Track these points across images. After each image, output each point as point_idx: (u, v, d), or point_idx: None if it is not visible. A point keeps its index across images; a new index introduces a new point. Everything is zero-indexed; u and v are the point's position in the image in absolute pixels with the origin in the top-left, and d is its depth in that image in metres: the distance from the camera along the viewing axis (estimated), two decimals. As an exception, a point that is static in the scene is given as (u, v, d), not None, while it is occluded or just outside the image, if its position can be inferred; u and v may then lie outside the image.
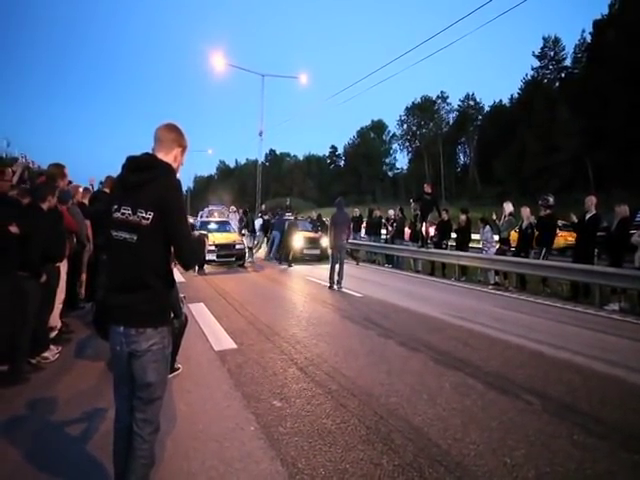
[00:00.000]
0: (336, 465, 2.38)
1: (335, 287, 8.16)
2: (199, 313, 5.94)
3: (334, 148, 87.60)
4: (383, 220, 14.02)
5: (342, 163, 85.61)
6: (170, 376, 3.41)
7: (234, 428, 2.78)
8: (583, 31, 42.95)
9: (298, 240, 12.41)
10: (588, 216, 7.42)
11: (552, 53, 48.89)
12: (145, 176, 1.74)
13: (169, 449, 2.49)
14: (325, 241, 11.34)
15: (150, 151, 1.87)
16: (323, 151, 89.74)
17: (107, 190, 5.38)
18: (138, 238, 1.70)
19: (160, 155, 1.84)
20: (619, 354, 4.48)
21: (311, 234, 13.53)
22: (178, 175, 1.88)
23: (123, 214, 1.72)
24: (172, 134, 1.89)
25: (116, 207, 1.75)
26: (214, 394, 3.33)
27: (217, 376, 3.71)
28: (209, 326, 5.29)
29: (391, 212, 13.86)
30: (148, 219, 1.68)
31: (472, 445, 2.62)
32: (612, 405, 3.25)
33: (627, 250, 7.03)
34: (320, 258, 12.79)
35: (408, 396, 3.33)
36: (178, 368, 3.68)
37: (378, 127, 78.39)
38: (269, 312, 6.16)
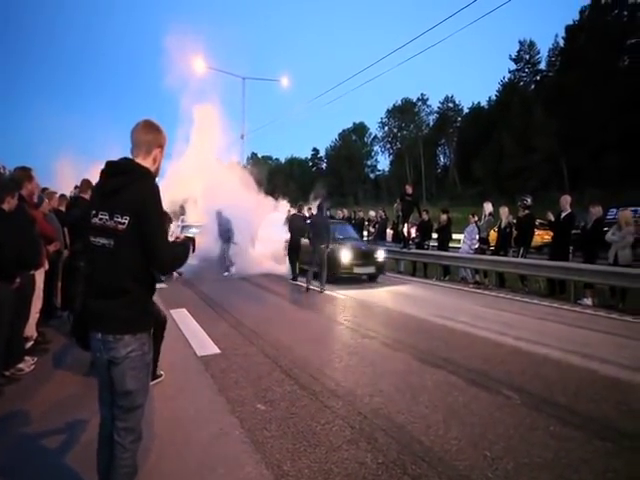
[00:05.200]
0: (321, 465, 2.40)
1: (318, 289, 8.17)
2: (181, 319, 5.88)
3: (316, 151, 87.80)
4: (365, 222, 14.12)
5: (324, 166, 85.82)
6: (152, 383, 3.37)
7: (218, 433, 2.77)
8: (556, 35, 44.18)
9: (345, 254, 9.02)
10: (563, 215, 7.67)
11: (527, 56, 50.14)
12: (122, 181, 1.73)
13: (152, 456, 2.46)
14: (381, 254, 9.42)
15: (130, 154, 1.85)
16: (305, 154, 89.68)
17: (84, 195, 5.26)
18: (115, 243, 1.69)
19: (139, 159, 1.82)
20: (593, 347, 4.64)
21: (362, 245, 10.15)
22: (159, 176, 1.87)
23: (101, 219, 1.71)
24: (149, 135, 1.86)
25: (94, 212, 1.74)
26: (198, 400, 3.31)
27: (201, 382, 3.68)
28: (192, 331, 5.24)
29: (372, 213, 13.96)
30: (124, 224, 1.67)
31: (454, 440, 2.68)
32: (587, 397, 3.36)
33: (601, 247, 7.28)
34: (373, 276, 9.59)
35: (392, 395, 3.38)
36: (160, 375, 3.63)
37: (359, 129, 78.92)
38: (253, 316, 6.13)
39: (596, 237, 7.10)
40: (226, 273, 10.37)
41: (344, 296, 7.72)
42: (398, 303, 6.99)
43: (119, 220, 1.68)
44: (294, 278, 9.46)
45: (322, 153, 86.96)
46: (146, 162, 1.83)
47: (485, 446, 2.60)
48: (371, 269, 9.31)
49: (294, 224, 9.78)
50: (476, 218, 9.67)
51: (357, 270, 9.09)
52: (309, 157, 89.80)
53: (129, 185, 1.71)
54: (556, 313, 6.40)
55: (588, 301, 6.99)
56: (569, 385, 3.59)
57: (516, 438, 2.70)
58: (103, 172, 1.81)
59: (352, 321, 5.91)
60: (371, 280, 9.51)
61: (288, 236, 9.86)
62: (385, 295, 7.81)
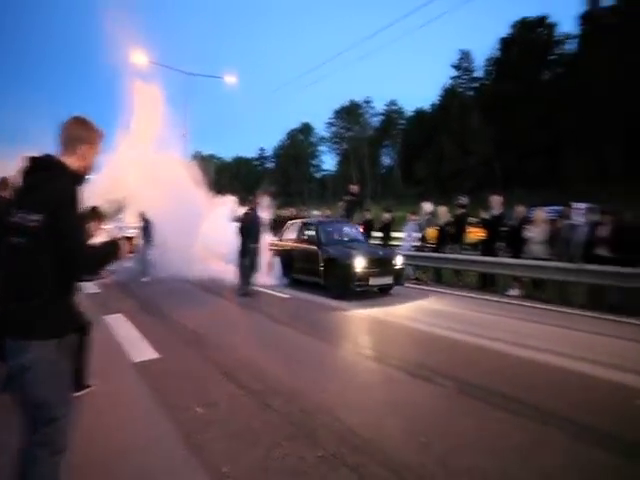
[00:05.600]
0: (261, 463, 2.40)
1: (250, 289, 7.76)
2: (117, 324, 5.57)
3: (262, 150, 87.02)
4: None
5: (271, 165, 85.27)
6: (81, 393, 3.17)
7: (156, 440, 2.68)
8: (493, 47, 46.74)
9: (360, 261, 7.16)
10: (493, 214, 8.28)
11: (466, 65, 53.06)
12: (39, 177, 1.65)
13: (85, 469, 2.32)
14: (400, 259, 7.78)
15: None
16: (252, 154, 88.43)
17: (3, 193, 4.83)
18: (27, 242, 1.60)
19: (64, 155, 1.75)
20: (519, 334, 5.02)
21: (378, 250, 8.23)
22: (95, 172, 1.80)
23: (17, 217, 1.62)
24: (76, 131, 1.79)
25: (14, 210, 1.65)
26: (134, 407, 3.17)
27: (136, 389, 3.52)
28: (128, 337, 4.98)
29: (316, 213, 14.12)
30: (37, 222, 1.58)
31: (393, 430, 2.80)
32: (519, 382, 3.63)
33: (525, 243, 7.92)
34: (389, 288, 7.72)
35: (335, 391, 3.45)
36: (90, 385, 3.41)
37: (306, 129, 79.34)
38: (195, 319, 5.95)
39: (520, 234, 7.72)
40: (144, 279, 9.42)
41: (288, 295, 7.73)
42: (341, 301, 7.07)
43: (32, 218, 1.59)
44: (245, 293, 7.65)
45: (269, 152, 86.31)
46: (70, 159, 1.76)
47: (421, 433, 2.75)
48: (389, 279, 7.47)
49: (247, 225, 8.25)
50: (416, 217, 10.08)
51: (373, 282, 7.25)
52: (256, 156, 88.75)
53: (46, 182, 1.63)
54: (487, 304, 6.84)
55: (514, 292, 7.59)
56: (500, 371, 3.87)
57: (453, 424, 2.88)
58: (23, 168, 1.72)
59: (296, 319, 5.95)
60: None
61: (239, 239, 8.08)
62: (329, 293, 7.86)
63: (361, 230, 11.17)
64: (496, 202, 8.22)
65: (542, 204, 13.00)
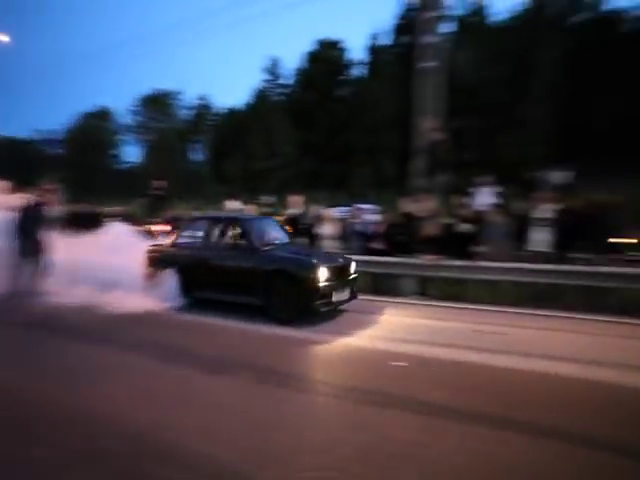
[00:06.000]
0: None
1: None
2: None
3: (46, 132, 72.06)
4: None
5: (58, 152, 71.42)
6: None
7: None
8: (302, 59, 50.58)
9: (323, 272, 5.73)
10: (293, 212, 9.12)
11: (276, 71, 55.94)
12: None
13: None
14: (354, 266, 6.54)
15: None
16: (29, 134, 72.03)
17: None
18: None
19: None
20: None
21: (337, 257, 6.60)
22: None
23: None
24: None
25: None
26: None
27: None
28: None
29: (117, 209, 12.69)
30: None
31: (186, 430, 2.75)
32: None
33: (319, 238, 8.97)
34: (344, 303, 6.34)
35: (124, 400, 3.16)
36: None
37: (104, 115, 69.54)
38: None
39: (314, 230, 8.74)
40: None
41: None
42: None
43: None
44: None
45: (58, 136, 71.98)
46: None
47: (212, 430, 2.78)
48: (347, 293, 6.21)
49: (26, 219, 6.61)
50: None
51: (336, 297, 5.92)
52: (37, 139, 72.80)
53: None
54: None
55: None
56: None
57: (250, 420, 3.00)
58: None
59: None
60: None
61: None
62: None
63: (163, 228, 10.54)
64: (295, 202, 9.07)
65: (338, 204, 15.00)
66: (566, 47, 29.97)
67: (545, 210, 7.16)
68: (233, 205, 9.79)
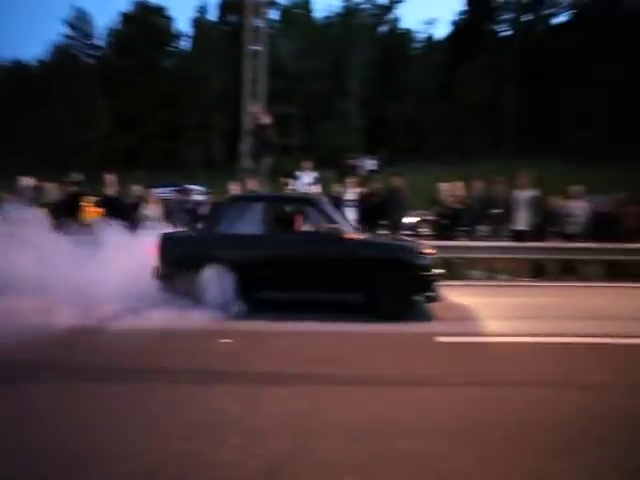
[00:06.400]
0: None
1: None
2: None
3: None
4: None
5: None
6: None
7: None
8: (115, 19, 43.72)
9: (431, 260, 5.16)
10: (109, 193, 8.17)
11: (84, 27, 46.94)
12: None
13: None
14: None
15: None
16: None
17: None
18: None
19: None
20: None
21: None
22: None
23: None
24: None
25: None
26: None
27: None
28: None
29: None
30: None
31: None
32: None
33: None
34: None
35: None
36: None
37: None
38: None
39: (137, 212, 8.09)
40: None
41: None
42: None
43: None
44: None
45: None
46: None
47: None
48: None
49: None
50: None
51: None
52: None
53: None
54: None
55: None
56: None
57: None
58: None
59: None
60: None
61: None
62: None
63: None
64: (110, 181, 8.17)
65: (161, 184, 14.13)
66: (373, 53, 34.85)
67: (353, 192, 8.26)
68: (27, 182, 8.14)
